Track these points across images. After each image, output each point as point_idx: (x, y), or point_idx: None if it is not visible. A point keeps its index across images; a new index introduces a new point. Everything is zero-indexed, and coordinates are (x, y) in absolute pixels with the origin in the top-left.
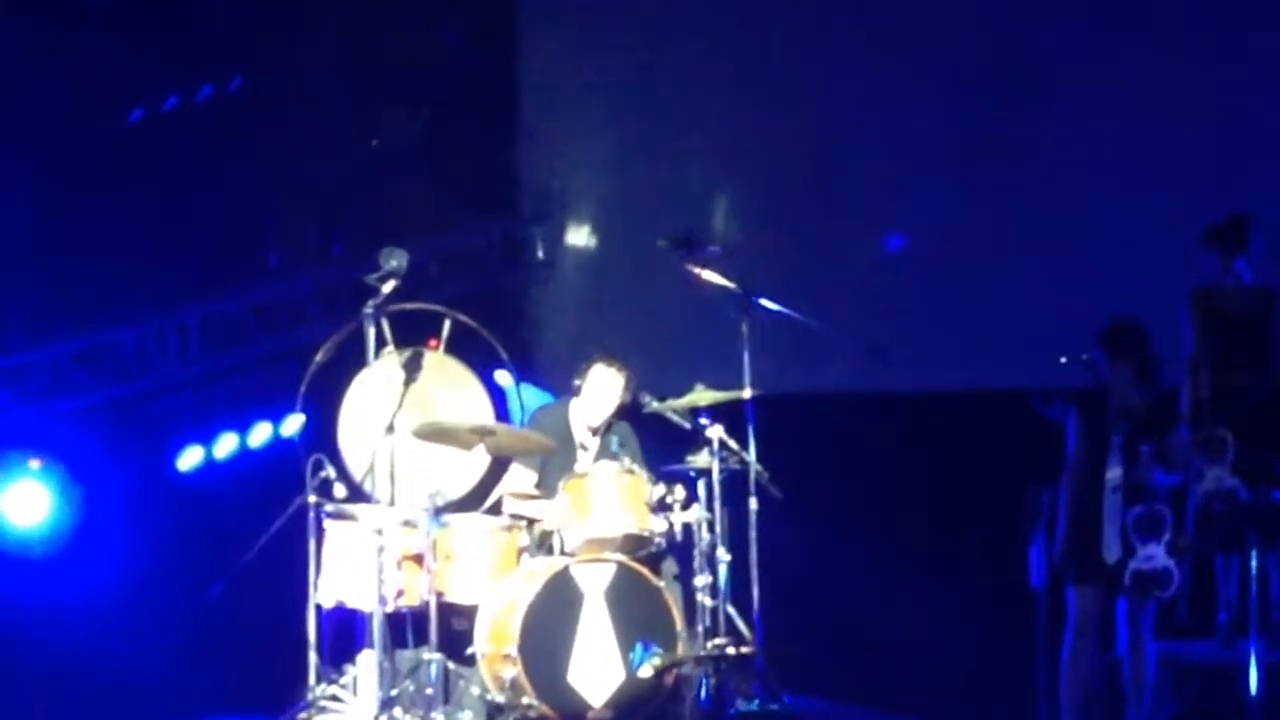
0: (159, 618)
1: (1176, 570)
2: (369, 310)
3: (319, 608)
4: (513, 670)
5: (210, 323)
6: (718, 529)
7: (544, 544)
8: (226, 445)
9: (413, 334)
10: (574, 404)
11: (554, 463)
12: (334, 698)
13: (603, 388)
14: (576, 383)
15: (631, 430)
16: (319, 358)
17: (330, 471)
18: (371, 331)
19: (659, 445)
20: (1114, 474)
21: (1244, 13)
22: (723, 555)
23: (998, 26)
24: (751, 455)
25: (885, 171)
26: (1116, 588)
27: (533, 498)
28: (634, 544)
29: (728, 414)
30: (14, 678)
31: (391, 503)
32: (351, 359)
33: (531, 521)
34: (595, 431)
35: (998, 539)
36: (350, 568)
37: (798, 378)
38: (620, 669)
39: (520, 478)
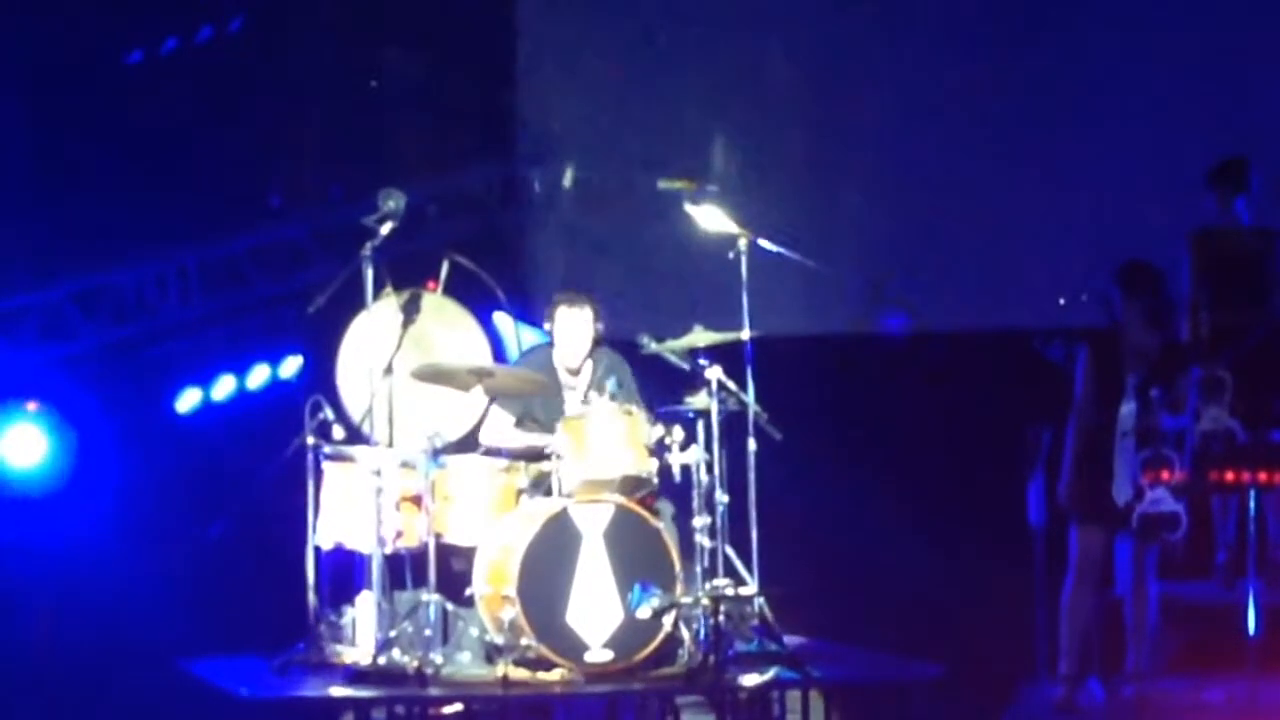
0: (157, 559)
1: (1185, 513)
2: (367, 252)
3: (318, 549)
4: (511, 611)
5: (209, 265)
6: (716, 470)
7: (542, 485)
8: (224, 387)
9: (411, 276)
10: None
11: (537, 403)
12: (333, 639)
13: (571, 328)
14: (547, 328)
15: (627, 367)
16: (316, 302)
17: (329, 413)
18: (369, 273)
19: (657, 386)
20: (1127, 415)
21: None
22: (721, 497)
23: None
24: (750, 396)
25: (886, 112)
26: (1121, 530)
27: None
28: (633, 485)
29: (726, 355)
30: (12, 619)
31: (390, 444)
32: (350, 301)
33: (529, 461)
34: (576, 372)
35: (996, 478)
36: (349, 509)
37: (797, 319)
38: (619, 610)
39: (499, 418)
